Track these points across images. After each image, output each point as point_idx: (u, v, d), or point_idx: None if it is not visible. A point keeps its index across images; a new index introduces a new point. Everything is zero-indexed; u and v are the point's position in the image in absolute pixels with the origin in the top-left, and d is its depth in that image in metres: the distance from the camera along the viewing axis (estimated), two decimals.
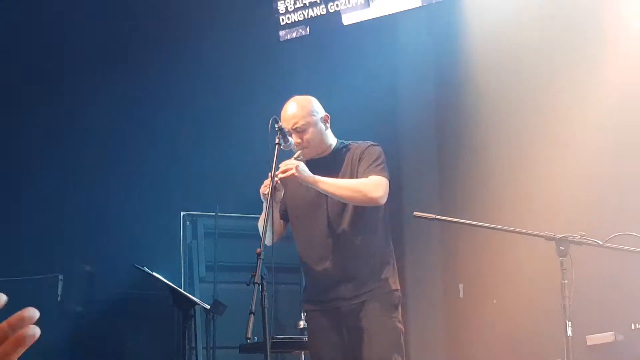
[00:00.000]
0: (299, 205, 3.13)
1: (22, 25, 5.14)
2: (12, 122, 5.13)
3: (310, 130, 3.06)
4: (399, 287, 3.10)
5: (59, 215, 4.97)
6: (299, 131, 3.06)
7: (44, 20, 5.15)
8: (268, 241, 2.92)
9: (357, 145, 3.12)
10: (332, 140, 3.15)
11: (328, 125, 3.13)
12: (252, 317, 2.63)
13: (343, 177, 3.06)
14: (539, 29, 4.47)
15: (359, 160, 3.06)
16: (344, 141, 3.20)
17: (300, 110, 3.07)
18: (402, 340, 3.05)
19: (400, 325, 3.05)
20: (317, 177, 2.98)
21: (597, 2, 4.27)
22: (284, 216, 3.20)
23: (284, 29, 5.10)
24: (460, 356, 4.76)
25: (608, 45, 4.22)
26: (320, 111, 3.13)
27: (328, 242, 3.06)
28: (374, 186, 2.98)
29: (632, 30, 4.13)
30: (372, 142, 3.13)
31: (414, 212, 3.14)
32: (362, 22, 4.90)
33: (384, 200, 3.01)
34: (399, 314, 3.07)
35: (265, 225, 2.83)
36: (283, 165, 2.94)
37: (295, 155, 3.06)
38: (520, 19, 4.52)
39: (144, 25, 5.26)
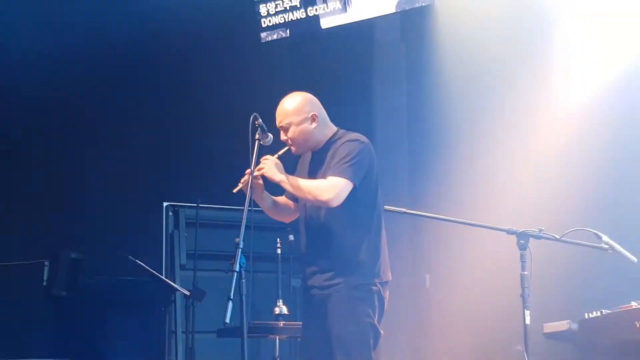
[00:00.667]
0: (295, 196, 3.13)
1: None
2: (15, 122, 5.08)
3: (292, 129, 3.04)
4: (373, 281, 2.98)
5: (45, 203, 4.91)
6: (283, 129, 3.06)
7: None
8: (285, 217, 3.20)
9: (340, 139, 3.06)
10: (322, 137, 3.08)
11: (315, 123, 3.05)
12: (230, 304, 2.63)
13: (324, 172, 3.02)
14: (506, 35, 4.51)
15: (332, 157, 3.03)
16: (338, 131, 3.11)
17: (285, 109, 3.05)
18: (368, 332, 2.95)
19: (366, 319, 2.95)
20: (282, 177, 2.94)
21: (561, 13, 4.32)
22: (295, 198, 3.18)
23: (265, 31, 5.13)
24: (425, 343, 4.80)
25: (572, 50, 4.28)
26: (308, 109, 3.05)
27: (308, 234, 3.07)
28: (325, 189, 2.92)
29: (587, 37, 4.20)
30: (349, 138, 3.05)
31: (385, 206, 3.16)
32: (339, 25, 4.92)
33: (335, 203, 2.90)
34: (368, 307, 2.96)
35: (244, 219, 2.81)
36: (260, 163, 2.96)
37: (282, 151, 3.06)
38: (488, 26, 4.56)
39: (136, 27, 5.22)
